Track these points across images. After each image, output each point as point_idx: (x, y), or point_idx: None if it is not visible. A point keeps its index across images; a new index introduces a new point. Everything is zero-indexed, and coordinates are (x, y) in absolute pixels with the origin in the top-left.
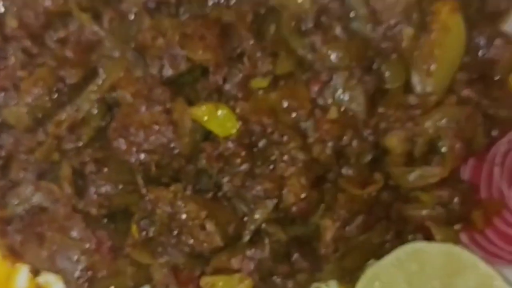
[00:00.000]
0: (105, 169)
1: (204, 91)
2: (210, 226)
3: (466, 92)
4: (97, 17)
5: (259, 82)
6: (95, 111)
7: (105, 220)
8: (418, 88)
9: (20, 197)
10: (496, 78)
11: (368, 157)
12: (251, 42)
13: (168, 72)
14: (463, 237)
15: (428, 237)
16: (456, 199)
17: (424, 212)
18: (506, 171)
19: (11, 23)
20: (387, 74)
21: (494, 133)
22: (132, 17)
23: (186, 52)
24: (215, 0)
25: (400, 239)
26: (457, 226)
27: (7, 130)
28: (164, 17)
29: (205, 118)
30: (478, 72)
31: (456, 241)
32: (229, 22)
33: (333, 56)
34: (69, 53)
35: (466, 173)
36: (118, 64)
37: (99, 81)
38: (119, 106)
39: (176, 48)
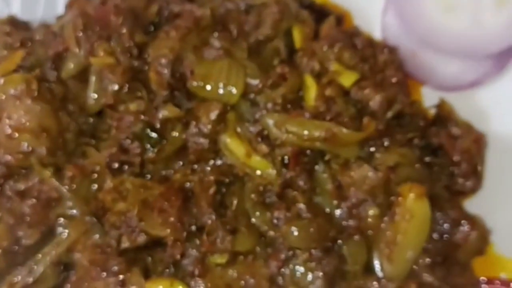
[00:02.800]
0: None
1: (161, 263)
2: None
3: (427, 278)
4: (58, 172)
5: (217, 259)
6: (50, 272)
7: None
8: (378, 272)
9: None
10: (459, 261)
11: None
12: (212, 217)
13: (125, 243)
14: None
15: None
16: None
17: None
18: None
19: None
20: (348, 255)
21: None
22: (94, 175)
23: (144, 226)
24: (180, 162)
25: None
26: None
27: None
28: (126, 177)
29: None
30: (440, 255)
31: None
32: (192, 190)
33: (294, 236)
34: (27, 209)
35: None
36: (76, 226)
37: (56, 242)
38: (74, 266)
39: (134, 220)
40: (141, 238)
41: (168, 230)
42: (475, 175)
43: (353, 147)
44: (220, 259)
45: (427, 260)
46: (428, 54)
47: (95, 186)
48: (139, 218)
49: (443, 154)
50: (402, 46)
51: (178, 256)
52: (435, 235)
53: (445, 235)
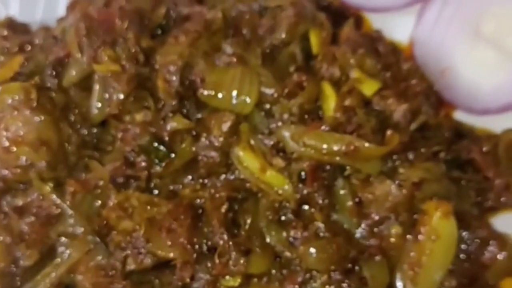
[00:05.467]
0: None
1: (169, 287)
2: None
3: None
4: (59, 188)
5: (229, 282)
6: None
7: None
8: None
9: None
10: (487, 283)
11: None
12: (224, 237)
13: (131, 266)
14: None
15: None
16: None
17: None
18: None
19: None
20: (369, 277)
21: None
22: (98, 191)
23: (151, 247)
24: (189, 176)
25: None
26: None
27: None
28: (132, 193)
29: None
30: (467, 277)
31: None
32: (202, 207)
33: (312, 257)
34: (26, 227)
35: None
36: (78, 246)
37: (57, 263)
38: None
39: (141, 240)
40: (148, 260)
41: (177, 252)
42: (509, 191)
43: (375, 162)
44: (233, 282)
45: (453, 282)
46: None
47: (99, 202)
48: (146, 238)
49: (471, 168)
50: (430, 64)
51: (188, 279)
52: (461, 255)
53: (472, 255)
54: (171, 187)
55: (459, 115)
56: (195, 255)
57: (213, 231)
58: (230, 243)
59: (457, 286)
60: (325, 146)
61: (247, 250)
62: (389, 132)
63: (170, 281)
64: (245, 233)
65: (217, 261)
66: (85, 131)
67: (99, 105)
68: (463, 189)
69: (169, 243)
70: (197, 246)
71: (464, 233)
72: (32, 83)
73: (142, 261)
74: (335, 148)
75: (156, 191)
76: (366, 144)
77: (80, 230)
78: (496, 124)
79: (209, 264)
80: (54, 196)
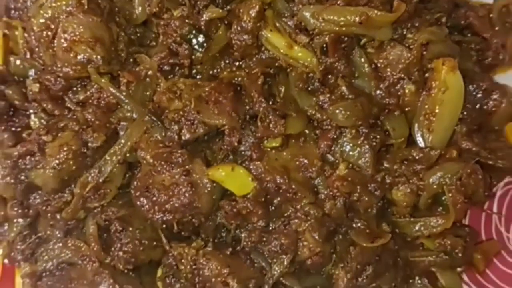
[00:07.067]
0: (130, 228)
1: (220, 152)
2: (233, 283)
3: (465, 144)
4: (114, 80)
5: (272, 143)
6: (117, 172)
7: (132, 274)
8: (420, 142)
9: (49, 253)
10: (493, 128)
11: (375, 210)
12: (263, 105)
13: (186, 136)
14: (465, 277)
15: (434, 281)
16: (459, 248)
17: (429, 258)
18: (505, 217)
19: (33, 87)
20: (391, 129)
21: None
22: (148, 80)
23: (202, 117)
24: (226, 61)
25: (407, 285)
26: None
27: (35, 190)
28: (178, 78)
29: (222, 178)
30: (476, 124)
31: (460, 284)
32: (240, 85)
33: (340, 116)
34: (89, 116)
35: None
36: (137, 127)
37: (120, 143)
38: (140, 164)
39: (192, 113)
40: (200, 130)
41: (225, 119)
42: (505, 48)
43: (386, 29)
44: (275, 143)
45: (464, 128)
46: None
47: (149, 91)
48: (196, 111)
49: (470, 33)
50: None
51: (236, 143)
52: (469, 106)
53: (478, 105)
54: (211, 72)
55: None
56: (240, 122)
57: (253, 101)
58: (269, 108)
59: (467, 131)
60: (342, 18)
61: (284, 114)
62: (396, 2)
63: (220, 147)
64: (280, 100)
65: (259, 124)
66: (130, 31)
67: (141, 6)
68: (464, 50)
69: (217, 112)
70: (241, 115)
71: (469, 86)
72: None
73: (195, 130)
74: (351, 19)
75: (198, 77)
76: (378, 12)
77: (136, 114)
78: None
79: (253, 129)
80: (111, 87)
